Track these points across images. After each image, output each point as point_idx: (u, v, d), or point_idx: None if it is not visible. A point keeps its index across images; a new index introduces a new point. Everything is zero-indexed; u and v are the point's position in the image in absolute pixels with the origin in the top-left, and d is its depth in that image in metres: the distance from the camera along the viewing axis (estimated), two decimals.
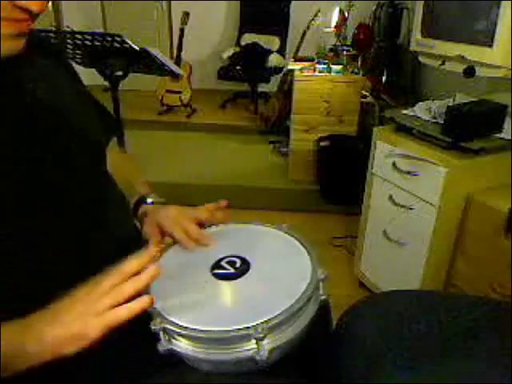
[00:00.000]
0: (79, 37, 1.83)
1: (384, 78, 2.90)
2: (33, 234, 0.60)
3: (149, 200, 0.87)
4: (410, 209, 1.55)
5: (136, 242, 0.79)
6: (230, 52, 3.90)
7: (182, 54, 3.74)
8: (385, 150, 1.61)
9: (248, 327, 0.57)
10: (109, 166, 0.81)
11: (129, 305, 0.54)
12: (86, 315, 0.53)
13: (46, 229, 0.62)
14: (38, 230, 0.61)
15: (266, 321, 0.58)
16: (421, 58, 1.82)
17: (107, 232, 0.73)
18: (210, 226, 0.83)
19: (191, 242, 0.77)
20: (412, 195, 1.53)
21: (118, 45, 1.85)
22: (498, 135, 1.43)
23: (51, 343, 0.53)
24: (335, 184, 2.59)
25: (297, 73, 2.52)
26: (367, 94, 2.56)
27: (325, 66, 2.52)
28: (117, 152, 0.95)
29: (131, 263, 0.56)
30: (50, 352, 0.53)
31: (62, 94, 0.71)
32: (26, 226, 0.60)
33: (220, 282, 0.67)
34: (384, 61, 2.97)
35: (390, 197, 1.63)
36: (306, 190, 2.68)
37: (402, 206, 1.58)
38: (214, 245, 0.76)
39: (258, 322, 0.58)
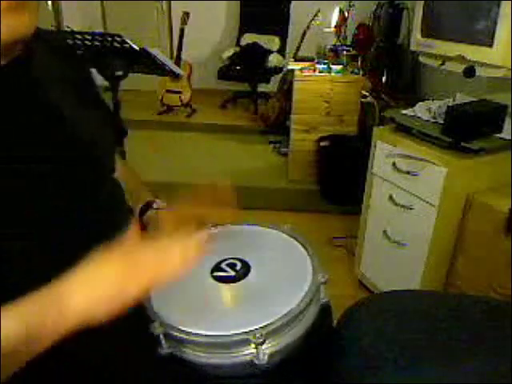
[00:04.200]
0: (79, 37, 1.83)
1: (384, 78, 2.90)
2: (38, 238, 0.57)
3: (154, 205, 0.85)
4: (410, 209, 1.55)
5: None
6: (230, 52, 3.90)
7: (182, 54, 3.74)
8: (385, 150, 1.61)
9: (246, 332, 0.57)
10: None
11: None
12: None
13: (53, 235, 0.58)
14: (43, 236, 0.57)
15: (264, 326, 0.57)
16: (421, 58, 1.82)
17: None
18: (214, 227, 0.81)
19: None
20: (412, 195, 1.53)
21: (118, 45, 1.84)
22: (498, 135, 1.43)
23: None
24: (335, 184, 2.59)
25: (297, 73, 2.52)
26: (367, 94, 2.56)
27: (325, 66, 2.52)
28: (121, 165, 0.94)
29: None
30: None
31: (72, 100, 0.68)
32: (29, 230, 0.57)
33: (220, 284, 0.67)
34: (384, 61, 2.97)
35: (390, 197, 1.62)
36: (306, 190, 2.68)
37: (402, 206, 1.57)
38: (214, 247, 0.76)
39: (256, 327, 0.57)
